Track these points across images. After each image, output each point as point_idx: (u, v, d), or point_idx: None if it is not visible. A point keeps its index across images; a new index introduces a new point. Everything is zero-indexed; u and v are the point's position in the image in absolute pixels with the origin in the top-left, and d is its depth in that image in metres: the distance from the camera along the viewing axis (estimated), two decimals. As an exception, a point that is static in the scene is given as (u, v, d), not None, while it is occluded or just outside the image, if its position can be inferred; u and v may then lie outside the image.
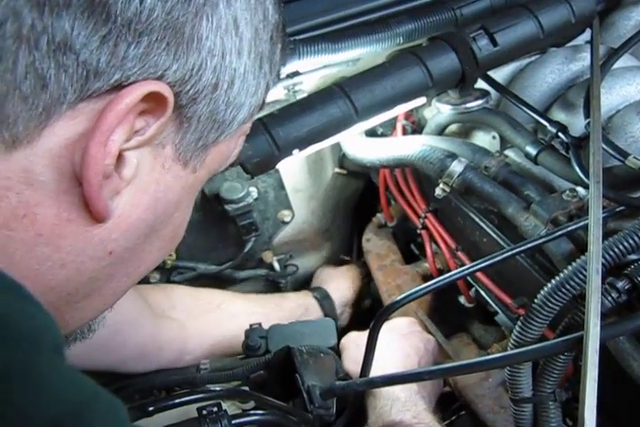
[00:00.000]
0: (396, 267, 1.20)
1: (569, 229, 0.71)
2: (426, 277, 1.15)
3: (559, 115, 0.90)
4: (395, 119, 1.11)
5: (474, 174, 0.86)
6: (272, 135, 0.75)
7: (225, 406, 0.68)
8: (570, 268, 0.67)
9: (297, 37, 0.81)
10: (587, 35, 0.98)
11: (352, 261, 1.39)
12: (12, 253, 0.38)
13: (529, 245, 0.72)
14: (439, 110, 0.92)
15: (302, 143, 0.77)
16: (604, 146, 0.74)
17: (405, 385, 0.83)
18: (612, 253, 0.66)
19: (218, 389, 0.77)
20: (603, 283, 0.63)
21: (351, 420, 0.85)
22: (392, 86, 0.79)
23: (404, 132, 1.11)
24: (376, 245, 1.27)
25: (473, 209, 0.95)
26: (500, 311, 0.97)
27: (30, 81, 0.35)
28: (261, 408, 0.78)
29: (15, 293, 0.36)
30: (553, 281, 0.68)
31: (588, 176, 0.73)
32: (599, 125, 0.75)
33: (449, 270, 1.04)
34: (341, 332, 1.00)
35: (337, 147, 1.20)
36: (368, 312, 1.27)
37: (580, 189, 0.79)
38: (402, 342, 0.93)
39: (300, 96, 0.96)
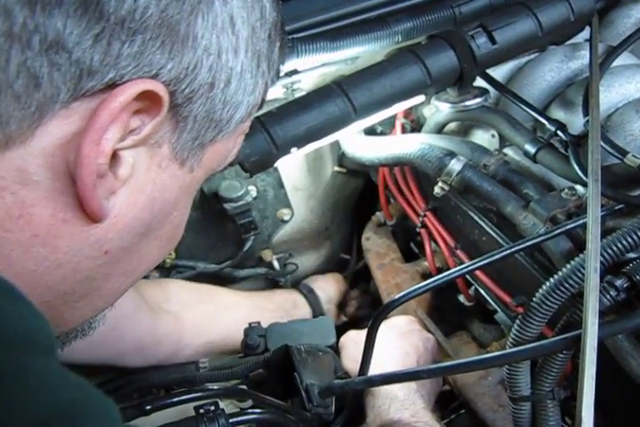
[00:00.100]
0: (396, 265, 1.20)
1: (568, 227, 0.71)
2: (425, 276, 1.16)
3: (558, 113, 0.90)
4: (394, 117, 1.11)
5: (473, 173, 0.86)
6: (270, 133, 0.74)
7: (223, 404, 0.68)
8: (568, 266, 0.67)
9: (295, 36, 0.80)
10: (586, 33, 0.98)
11: (350, 261, 1.39)
12: (7, 255, 0.38)
13: (528, 244, 0.72)
14: (438, 109, 0.92)
15: (300, 141, 0.77)
16: (603, 144, 0.74)
17: (404, 384, 0.83)
18: (610, 251, 0.66)
19: (215, 387, 0.77)
20: (601, 281, 0.63)
21: (350, 418, 0.85)
22: (390, 84, 0.79)
23: (403, 131, 1.11)
24: (375, 244, 1.27)
25: (472, 207, 0.95)
26: (499, 310, 0.97)
27: (23, 80, 0.35)
28: (259, 407, 0.78)
29: (8, 294, 0.36)
30: (551, 279, 0.68)
31: (586, 174, 0.73)
32: (598, 124, 0.75)
33: (448, 269, 1.03)
34: (339, 331, 1.00)
35: (336, 145, 1.20)
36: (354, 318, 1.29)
37: (579, 188, 0.79)
38: (401, 341, 0.93)
39: (298, 94, 0.96)
